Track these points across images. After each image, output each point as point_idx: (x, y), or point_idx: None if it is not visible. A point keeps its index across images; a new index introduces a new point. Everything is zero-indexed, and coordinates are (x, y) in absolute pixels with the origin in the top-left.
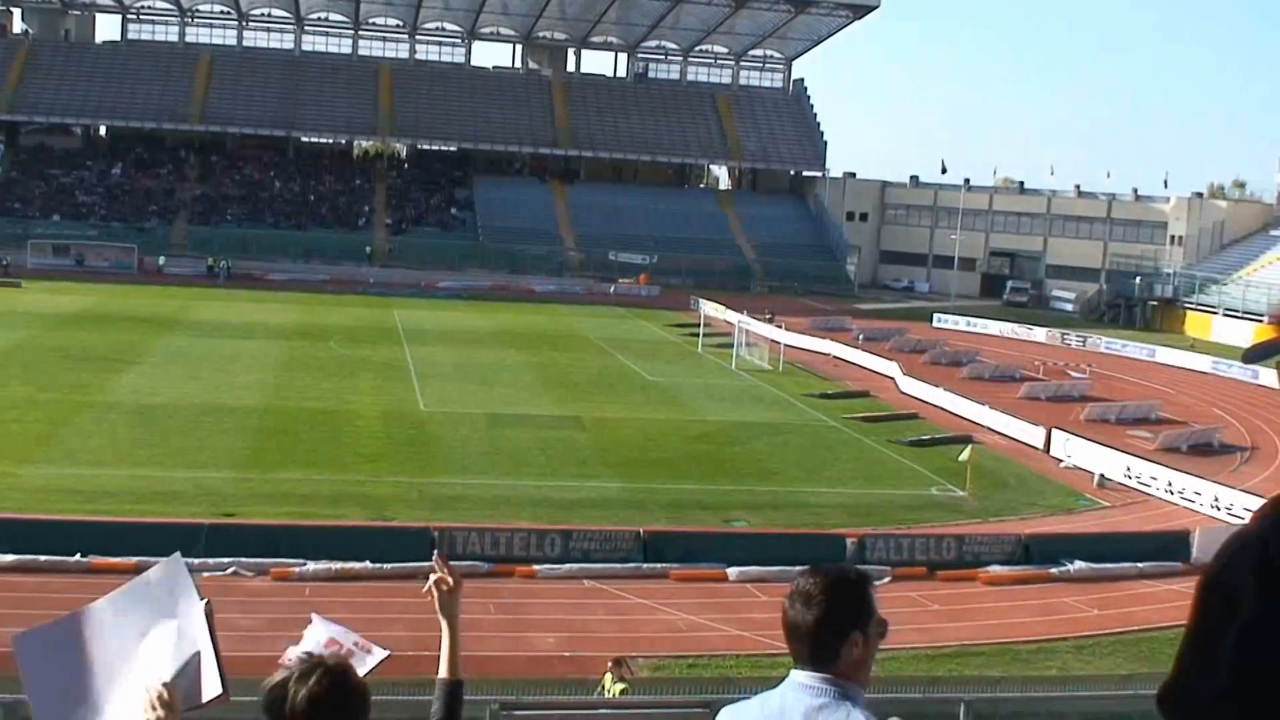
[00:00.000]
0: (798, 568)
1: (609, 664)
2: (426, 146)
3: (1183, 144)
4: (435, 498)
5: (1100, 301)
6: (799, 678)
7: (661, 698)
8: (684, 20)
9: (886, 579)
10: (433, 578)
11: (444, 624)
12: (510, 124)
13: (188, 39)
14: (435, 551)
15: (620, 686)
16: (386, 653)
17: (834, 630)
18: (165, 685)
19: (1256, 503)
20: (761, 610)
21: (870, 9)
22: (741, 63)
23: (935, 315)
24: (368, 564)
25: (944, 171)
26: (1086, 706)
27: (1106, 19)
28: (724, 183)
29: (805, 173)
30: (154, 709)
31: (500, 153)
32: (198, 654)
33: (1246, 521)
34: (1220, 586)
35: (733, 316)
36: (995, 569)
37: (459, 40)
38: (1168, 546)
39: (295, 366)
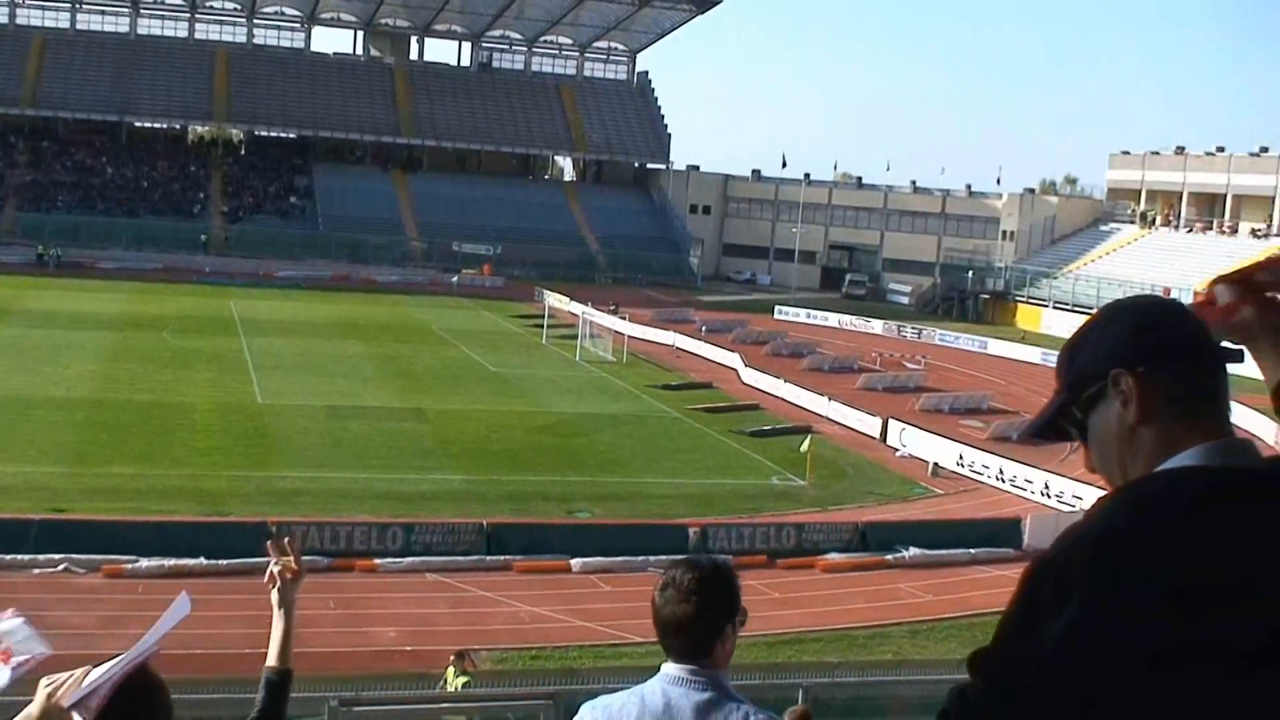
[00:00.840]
0: (640, 558)
1: (451, 657)
2: (265, 133)
3: (1015, 141)
4: (273, 492)
5: (935, 295)
6: (676, 671)
7: (504, 689)
8: (528, 10)
9: None
10: (275, 566)
11: (279, 613)
12: (351, 111)
13: (19, 21)
14: (272, 540)
15: (463, 679)
16: (30, 657)
17: (711, 623)
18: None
19: (1085, 490)
20: (605, 601)
21: (713, 3)
22: (586, 54)
23: (777, 307)
24: (202, 560)
25: (784, 166)
26: (921, 690)
27: (942, 18)
28: (569, 174)
29: (649, 165)
30: None
31: (341, 140)
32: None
33: (1086, 511)
34: (1054, 571)
35: (577, 308)
36: (833, 556)
37: (298, 25)
38: (999, 533)
39: (128, 358)
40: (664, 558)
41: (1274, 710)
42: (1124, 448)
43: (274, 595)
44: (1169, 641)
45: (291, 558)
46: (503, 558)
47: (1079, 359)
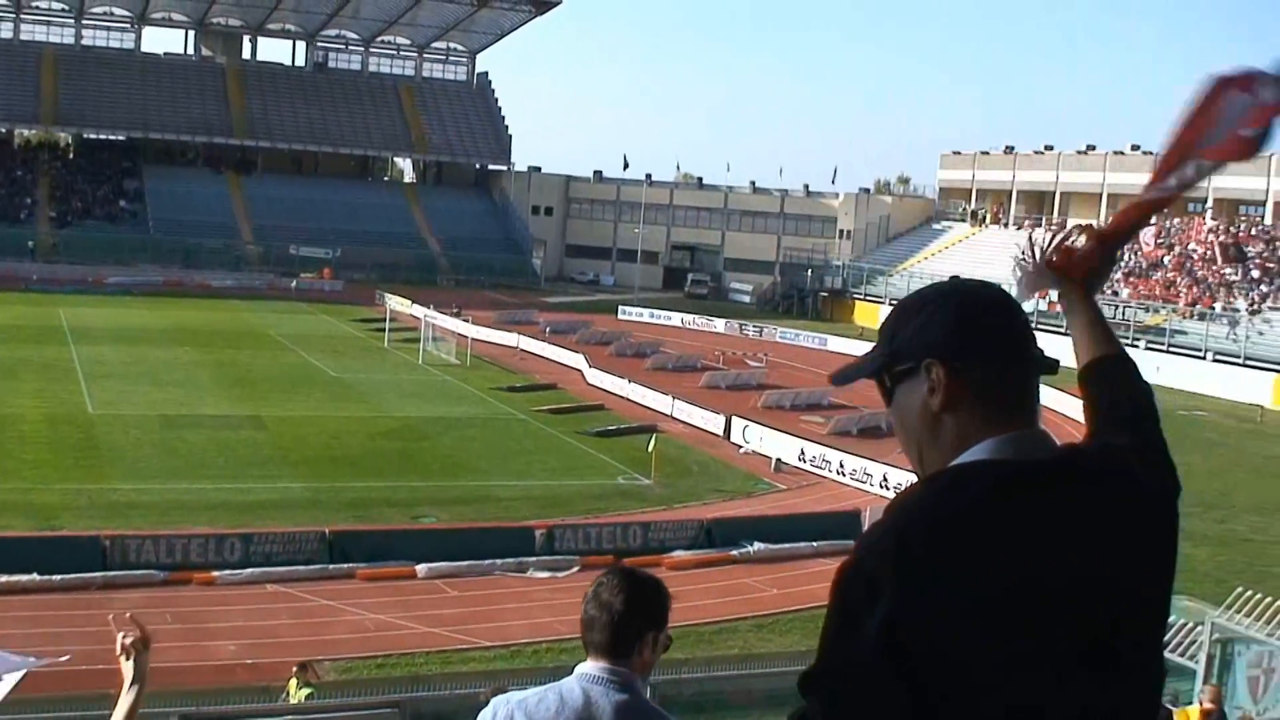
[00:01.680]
0: (487, 561)
1: (294, 668)
2: (93, 136)
3: (851, 142)
4: (106, 505)
5: (775, 293)
6: (593, 670)
7: (349, 700)
8: (364, 10)
9: (575, 569)
10: (127, 638)
11: (131, 686)
12: (183, 113)
13: None
14: (115, 616)
15: (306, 691)
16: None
17: (636, 625)
18: None
19: None
20: (451, 606)
21: (553, 4)
22: (425, 54)
23: (620, 307)
24: (35, 576)
25: (626, 167)
26: (766, 683)
27: (779, 20)
28: (409, 175)
29: (491, 166)
30: None
31: (172, 143)
32: None
33: (886, 508)
34: (863, 572)
35: (419, 311)
36: (679, 554)
37: (128, 25)
38: (841, 525)
39: None
40: (510, 560)
41: (1073, 691)
42: (925, 430)
43: (127, 667)
44: (973, 632)
45: (138, 630)
46: (346, 566)
47: (900, 335)
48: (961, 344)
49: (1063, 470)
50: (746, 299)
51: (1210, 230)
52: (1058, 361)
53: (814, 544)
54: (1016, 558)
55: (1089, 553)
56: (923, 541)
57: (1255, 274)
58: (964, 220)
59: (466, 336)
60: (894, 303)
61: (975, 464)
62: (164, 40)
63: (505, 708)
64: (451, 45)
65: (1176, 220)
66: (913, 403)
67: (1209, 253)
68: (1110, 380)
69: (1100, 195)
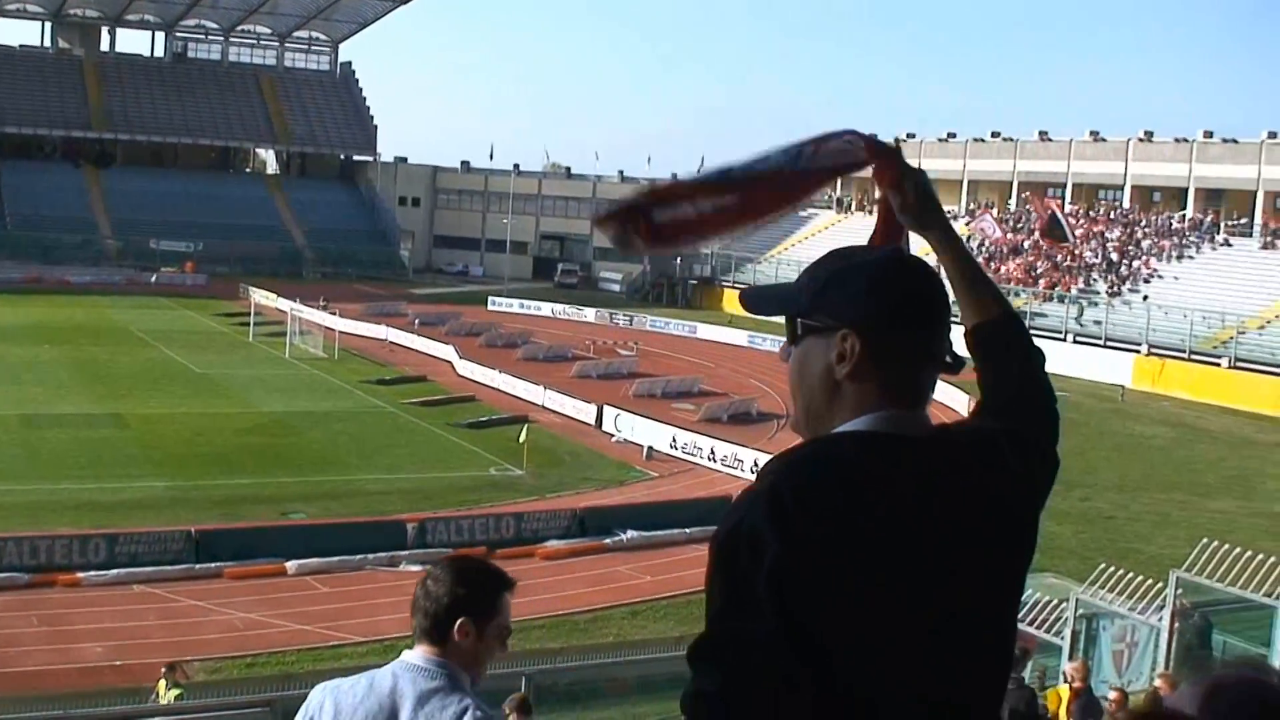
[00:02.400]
0: (358, 556)
1: (163, 669)
2: None
3: (715, 132)
4: None
5: (645, 282)
6: (410, 657)
7: (220, 699)
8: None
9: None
10: None
11: None
12: (39, 105)
13: None
14: None
15: (175, 691)
16: None
17: (449, 612)
18: None
19: None
20: (323, 602)
21: None
22: (286, 44)
23: (490, 298)
24: None
25: (492, 157)
26: (641, 669)
27: (645, 6)
28: (271, 167)
29: (356, 157)
30: None
31: (28, 136)
32: None
33: (758, 474)
34: (744, 535)
35: (285, 304)
36: (553, 544)
37: None
38: (713, 511)
39: None
40: (382, 555)
41: (934, 656)
42: (822, 391)
43: None
44: (847, 589)
45: None
46: (213, 565)
47: (831, 291)
48: (885, 324)
49: (931, 447)
50: (616, 288)
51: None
52: (964, 362)
53: (686, 530)
54: (881, 524)
55: (949, 525)
56: (797, 500)
57: (1114, 257)
58: (830, 207)
59: (333, 329)
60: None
61: (851, 433)
62: (19, 32)
63: (320, 694)
64: (313, 34)
65: (1034, 205)
66: (816, 361)
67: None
68: (991, 351)
69: (960, 181)
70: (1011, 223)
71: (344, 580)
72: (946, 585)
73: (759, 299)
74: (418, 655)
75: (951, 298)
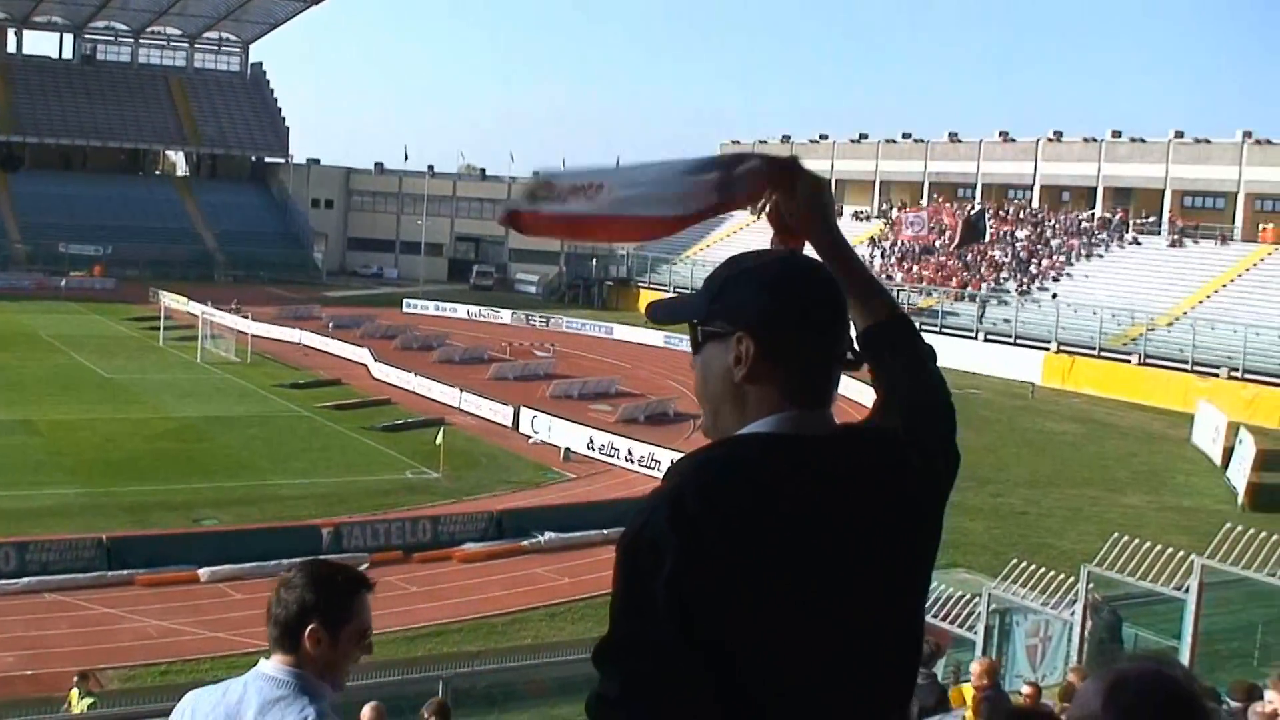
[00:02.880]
0: (273, 562)
1: (75, 679)
2: None
3: (627, 131)
4: None
5: (561, 283)
6: (264, 666)
7: (132, 708)
8: (133, 1)
9: (364, 566)
10: None
11: None
12: None
13: None
14: None
15: (88, 701)
16: None
17: (298, 619)
18: None
19: None
20: (237, 609)
21: None
22: (196, 45)
23: (405, 301)
24: None
25: (407, 159)
26: (558, 671)
27: (548, 11)
28: (182, 169)
29: (267, 159)
30: None
31: None
32: None
33: (664, 475)
34: (647, 539)
35: (196, 308)
36: (470, 546)
37: None
38: (630, 512)
39: None
40: (297, 560)
41: (844, 652)
42: (724, 395)
43: None
44: (749, 593)
45: None
46: (125, 572)
47: (726, 296)
48: (778, 324)
49: (835, 446)
50: (533, 290)
51: (956, 213)
52: (864, 359)
53: (604, 531)
54: (785, 526)
55: (853, 524)
56: (698, 503)
57: (1023, 256)
58: (743, 208)
59: (246, 333)
60: (678, 290)
61: (753, 435)
62: None
63: (189, 700)
64: (224, 35)
65: (947, 205)
66: (717, 365)
67: (954, 235)
68: (884, 351)
69: (873, 182)
70: (925, 222)
71: (258, 587)
72: (851, 585)
73: (663, 311)
74: (271, 664)
75: None
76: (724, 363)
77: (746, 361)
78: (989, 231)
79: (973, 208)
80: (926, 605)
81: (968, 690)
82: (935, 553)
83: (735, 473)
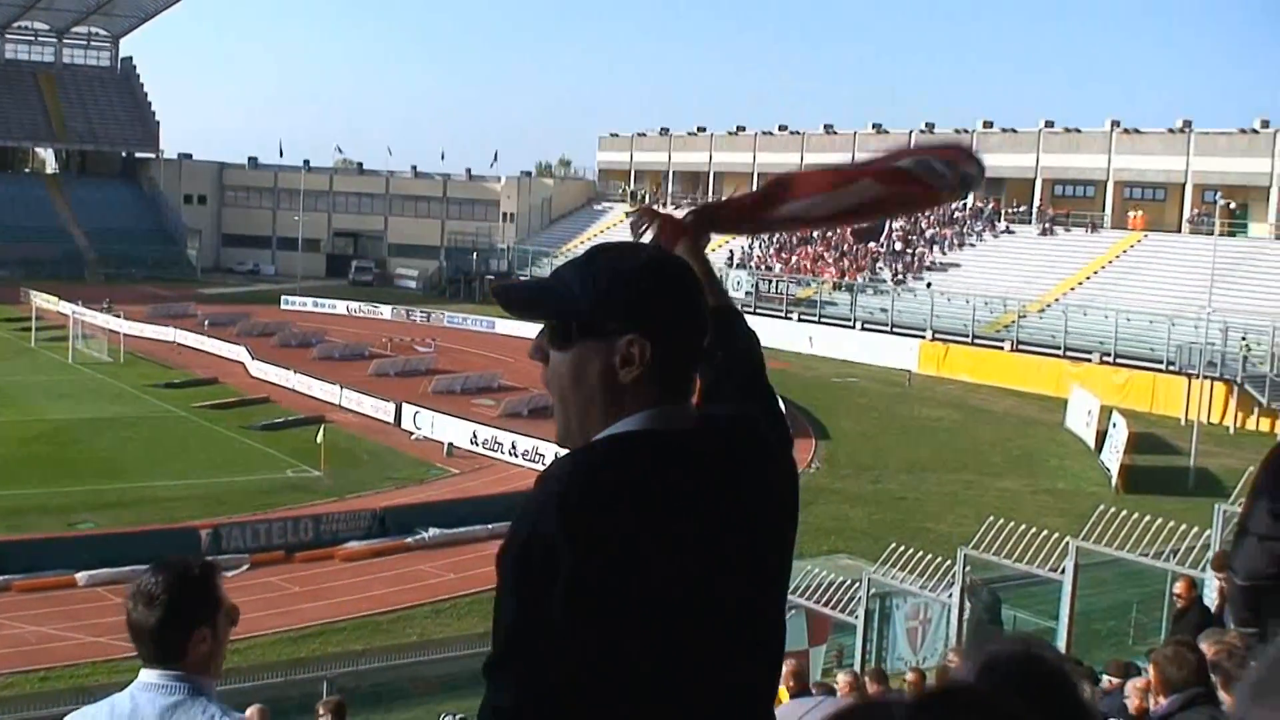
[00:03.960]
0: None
1: None
2: None
3: (511, 126)
4: None
5: (441, 278)
6: (147, 677)
7: (11, 716)
8: None
9: (245, 567)
10: None
11: None
12: None
13: None
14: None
15: None
16: None
17: (180, 627)
18: None
19: None
20: (116, 614)
21: None
22: (65, 40)
23: (283, 297)
24: None
25: (282, 154)
26: (445, 668)
27: (430, 4)
28: (50, 166)
29: (138, 154)
30: None
31: None
32: None
33: (537, 480)
34: (538, 545)
35: (67, 308)
36: (353, 545)
37: None
38: (513, 507)
39: None
40: (143, 570)
41: (730, 642)
42: (600, 394)
43: None
44: (639, 592)
45: None
46: (1, 577)
47: (611, 295)
48: (672, 326)
49: (704, 438)
50: (413, 285)
51: None
52: (718, 352)
53: (489, 526)
54: (671, 521)
55: (733, 513)
56: (587, 506)
57: (898, 246)
58: (624, 201)
59: (119, 333)
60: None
61: (631, 434)
62: None
63: None
64: (93, 29)
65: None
66: (594, 365)
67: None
68: (723, 335)
69: (751, 174)
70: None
71: None
72: (735, 573)
73: (524, 303)
74: (154, 674)
75: None
76: (606, 363)
77: (640, 364)
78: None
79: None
80: (809, 591)
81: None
82: (796, 531)
83: (621, 473)
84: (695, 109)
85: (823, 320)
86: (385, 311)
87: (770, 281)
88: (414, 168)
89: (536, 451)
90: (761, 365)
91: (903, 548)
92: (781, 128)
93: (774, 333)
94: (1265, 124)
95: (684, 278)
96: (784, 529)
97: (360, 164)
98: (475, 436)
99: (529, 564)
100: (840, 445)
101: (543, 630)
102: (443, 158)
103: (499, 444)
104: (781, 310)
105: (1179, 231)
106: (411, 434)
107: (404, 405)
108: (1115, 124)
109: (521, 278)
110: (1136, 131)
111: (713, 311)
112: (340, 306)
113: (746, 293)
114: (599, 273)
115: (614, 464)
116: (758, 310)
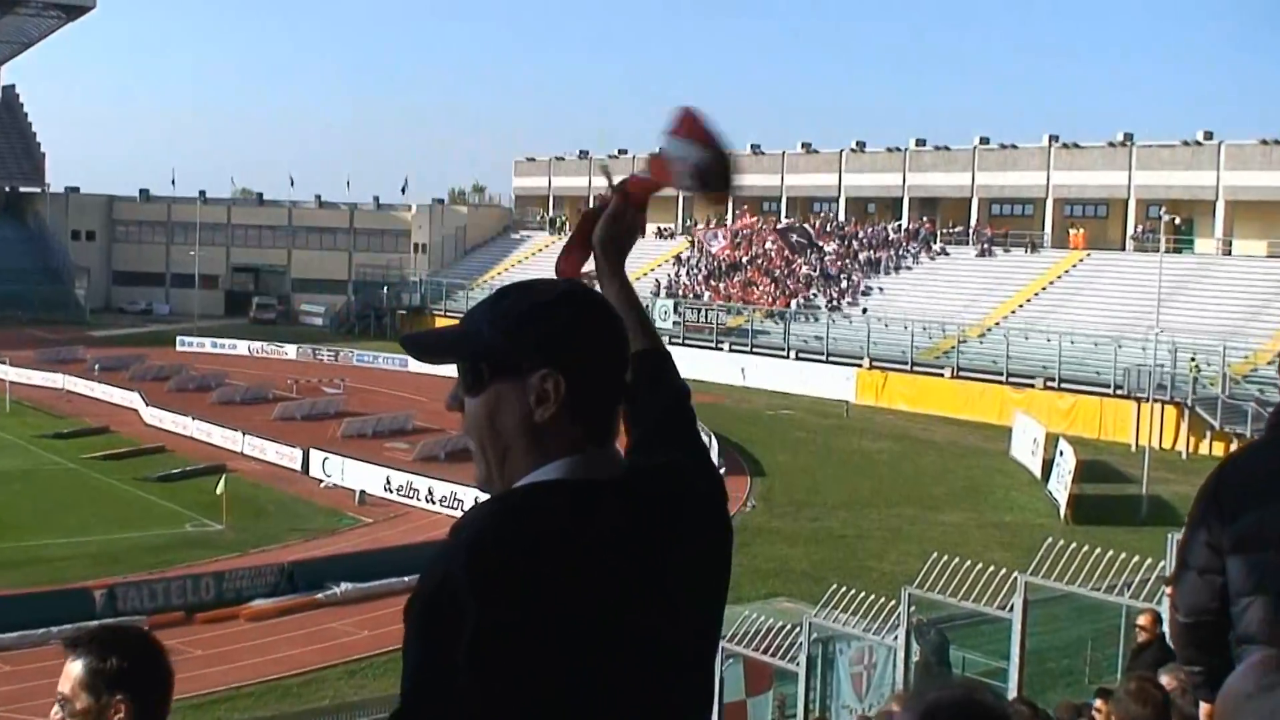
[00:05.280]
0: (41, 630)
1: None
2: None
3: (421, 152)
4: None
5: (349, 314)
6: None
7: None
8: None
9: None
10: None
11: None
12: None
13: None
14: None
15: None
16: None
17: (101, 695)
18: None
19: None
20: (6, 683)
21: (85, 9)
22: None
23: (179, 338)
24: None
25: (174, 184)
26: None
27: (329, 30)
28: None
29: (22, 188)
30: None
31: None
32: None
33: (452, 528)
34: (443, 600)
35: None
36: (259, 603)
37: None
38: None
39: None
40: (68, 627)
41: (651, 697)
42: (518, 436)
43: None
44: (552, 651)
45: None
46: None
47: (521, 329)
48: (586, 360)
49: (630, 489)
50: (319, 321)
51: (774, 226)
52: (638, 390)
53: (405, 579)
54: (592, 575)
55: (658, 564)
56: (499, 557)
57: (831, 271)
58: (543, 229)
59: (3, 380)
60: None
61: (549, 483)
62: None
63: None
64: None
65: (751, 219)
66: (512, 406)
67: (781, 249)
68: (652, 380)
69: (676, 197)
70: (730, 237)
71: (27, 657)
72: (655, 627)
73: (432, 347)
74: None
75: None
76: (522, 403)
77: (555, 400)
78: (807, 245)
79: (789, 227)
80: (746, 638)
81: None
82: (728, 581)
83: (535, 522)
84: (616, 130)
85: (755, 350)
86: (290, 351)
87: (699, 310)
88: (318, 197)
89: (455, 497)
90: (692, 414)
91: (845, 588)
92: None
93: (704, 364)
94: (1209, 135)
95: (598, 309)
96: (713, 583)
97: (260, 194)
98: (389, 482)
99: (436, 614)
100: (777, 481)
101: (449, 682)
102: (348, 186)
103: (414, 490)
104: (712, 340)
105: (1123, 249)
106: (320, 481)
107: (312, 451)
108: (1053, 139)
109: (435, 312)
110: (1075, 146)
111: (641, 355)
112: (241, 347)
113: (674, 322)
114: (508, 309)
115: (529, 513)
116: (686, 341)
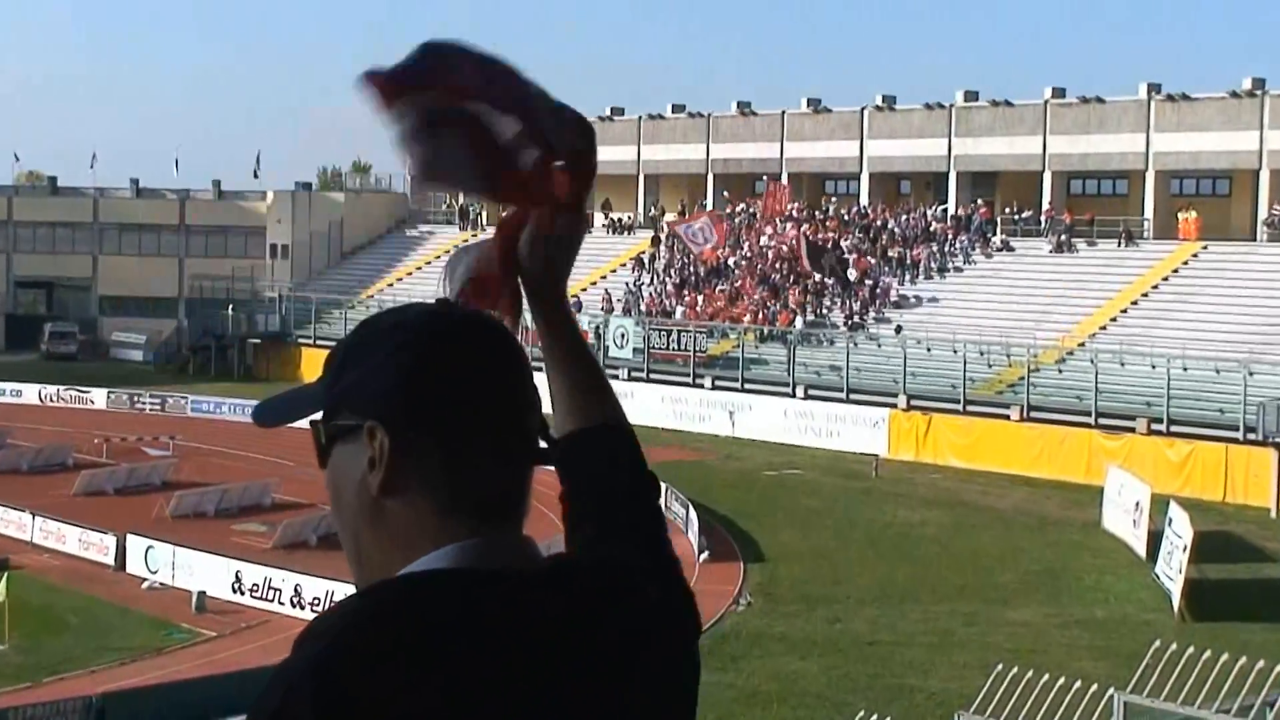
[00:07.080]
0: None
1: None
2: None
3: (280, 118)
4: None
5: (181, 345)
6: None
7: None
8: None
9: None
10: None
11: None
12: None
13: None
14: None
15: None
16: None
17: None
18: None
19: None
20: None
21: None
22: None
23: None
24: None
25: None
26: None
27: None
28: None
29: None
30: None
31: None
32: None
33: (297, 640)
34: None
35: None
36: None
37: None
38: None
39: None
40: None
41: None
42: (364, 516)
43: None
44: None
45: None
46: None
47: (348, 373)
48: (417, 403)
49: (551, 589)
50: (138, 355)
51: (792, 220)
52: (557, 448)
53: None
54: (470, 701)
55: (579, 689)
56: (350, 678)
57: (851, 276)
58: (451, 223)
59: None
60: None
61: (428, 574)
62: None
63: None
64: None
65: (743, 205)
66: (351, 475)
67: (790, 250)
68: (595, 464)
69: (635, 175)
70: (709, 232)
71: None
72: None
73: (273, 411)
74: None
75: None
76: (358, 468)
77: (383, 462)
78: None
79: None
80: None
81: None
82: (694, 707)
83: (398, 632)
84: (553, 78)
85: (748, 387)
86: (97, 398)
87: (669, 333)
88: (134, 182)
89: (331, 597)
90: (658, 510)
91: (877, 716)
92: (677, 108)
93: (678, 407)
94: None
95: (459, 337)
96: (665, 704)
97: (54, 179)
98: (239, 580)
99: None
100: (781, 569)
101: None
102: (177, 168)
103: (274, 590)
104: (688, 374)
105: (1252, 239)
106: (143, 581)
107: (129, 538)
108: (1154, 89)
109: (301, 341)
110: (1185, 98)
111: (584, 432)
112: (29, 392)
113: (634, 349)
114: (351, 346)
115: (393, 620)
116: (651, 375)
